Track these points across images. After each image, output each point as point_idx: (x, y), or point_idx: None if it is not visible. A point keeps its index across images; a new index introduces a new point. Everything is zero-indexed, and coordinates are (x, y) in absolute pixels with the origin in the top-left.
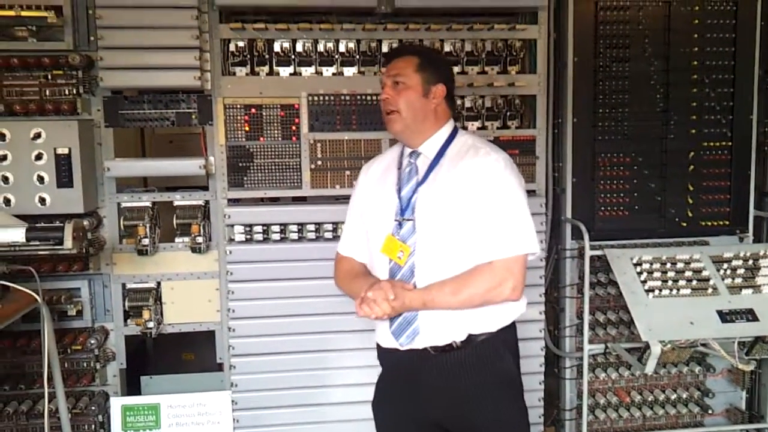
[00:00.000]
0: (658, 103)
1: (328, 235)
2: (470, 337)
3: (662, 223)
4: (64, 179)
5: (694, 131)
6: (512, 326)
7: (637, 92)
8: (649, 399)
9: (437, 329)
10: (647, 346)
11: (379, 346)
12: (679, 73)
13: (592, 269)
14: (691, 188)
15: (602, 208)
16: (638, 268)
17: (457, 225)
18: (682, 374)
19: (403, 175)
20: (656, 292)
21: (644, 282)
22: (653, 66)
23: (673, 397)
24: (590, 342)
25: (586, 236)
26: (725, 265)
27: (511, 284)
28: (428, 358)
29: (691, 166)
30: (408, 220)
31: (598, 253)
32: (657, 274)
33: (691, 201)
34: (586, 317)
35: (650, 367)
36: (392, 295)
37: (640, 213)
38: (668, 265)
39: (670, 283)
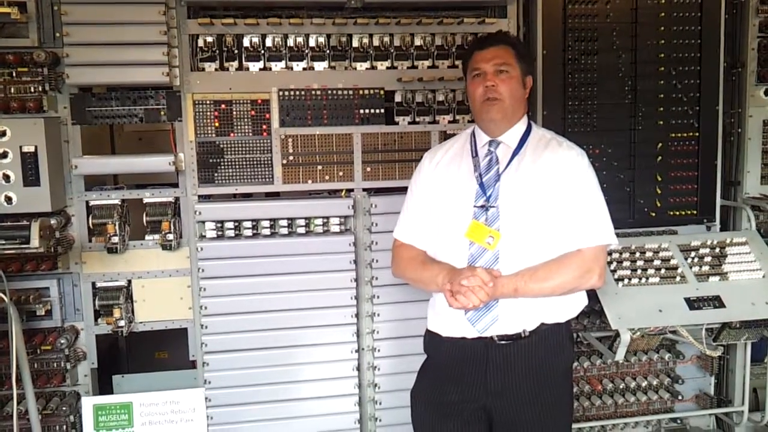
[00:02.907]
0: (627, 95)
1: (301, 230)
2: (541, 326)
3: (631, 213)
4: (30, 178)
5: (661, 122)
6: (574, 319)
7: (606, 84)
8: (621, 386)
9: (514, 316)
10: (617, 335)
11: (431, 334)
12: (647, 65)
13: None
14: (659, 179)
15: None
16: (608, 258)
17: (541, 213)
18: (652, 361)
19: (482, 162)
20: (625, 281)
21: (614, 271)
22: (621, 58)
23: (644, 384)
24: None
25: None
26: (693, 254)
27: (598, 272)
28: (493, 347)
29: (659, 157)
30: (492, 206)
31: None
32: (626, 264)
33: (659, 191)
34: None
35: (620, 355)
36: (491, 283)
37: (610, 203)
38: (637, 254)
39: (639, 272)
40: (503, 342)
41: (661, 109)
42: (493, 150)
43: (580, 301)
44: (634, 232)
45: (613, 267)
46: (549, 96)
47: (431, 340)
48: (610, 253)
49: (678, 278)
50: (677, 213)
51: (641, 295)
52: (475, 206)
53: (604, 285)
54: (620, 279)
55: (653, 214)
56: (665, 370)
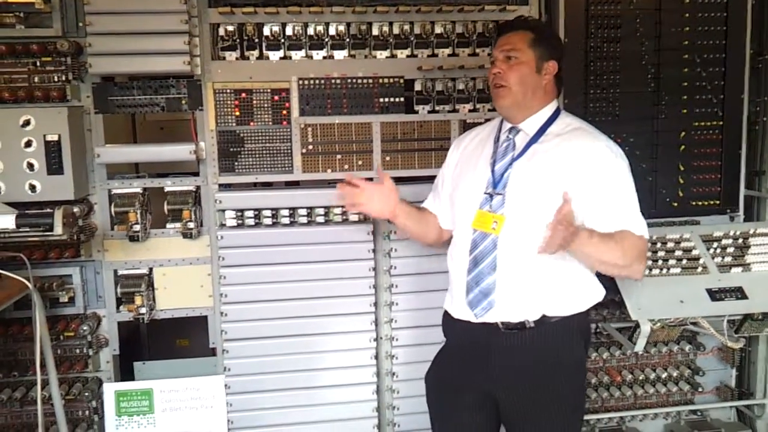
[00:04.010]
0: (650, 83)
1: (320, 219)
2: (543, 318)
3: (653, 203)
4: (54, 166)
5: (685, 111)
6: (587, 313)
7: (629, 73)
8: (640, 378)
9: (512, 304)
10: (637, 325)
11: (447, 317)
12: (671, 53)
13: None
14: (682, 168)
15: None
16: None
17: (548, 200)
18: (672, 353)
19: (499, 149)
20: (646, 271)
21: None
22: (644, 46)
23: (664, 375)
24: None
25: None
26: (715, 244)
27: (645, 262)
28: (499, 335)
29: (682, 146)
30: (498, 194)
31: None
32: (647, 254)
33: (682, 181)
34: None
35: (640, 346)
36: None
37: None
38: (658, 245)
39: (660, 262)
40: (507, 331)
41: (685, 97)
42: (512, 137)
43: (589, 296)
44: (656, 222)
45: None
46: (571, 84)
47: (446, 320)
48: None
49: (700, 269)
50: (700, 203)
51: (662, 286)
52: (485, 193)
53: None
54: None
55: (675, 204)
56: (685, 362)
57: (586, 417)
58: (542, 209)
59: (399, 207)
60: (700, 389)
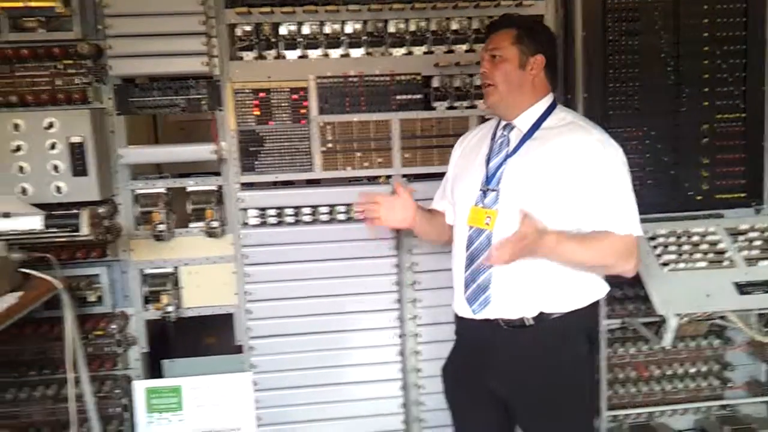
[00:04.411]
0: (669, 75)
1: (342, 216)
2: (542, 315)
3: (676, 197)
4: (78, 168)
5: (706, 103)
6: (590, 309)
7: (648, 66)
8: (668, 373)
9: (508, 301)
10: (664, 320)
11: (455, 314)
12: (690, 45)
13: None
14: (704, 161)
15: None
16: (653, 243)
17: (544, 198)
18: (701, 348)
19: (494, 146)
20: (672, 265)
21: (659, 256)
22: (663, 39)
23: (692, 370)
24: (607, 317)
25: None
26: (741, 237)
27: (637, 260)
28: (500, 332)
29: (705, 139)
30: (492, 190)
31: None
32: (672, 248)
33: (705, 174)
34: None
35: (667, 341)
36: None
37: (653, 188)
38: (683, 239)
39: (685, 256)
40: (508, 328)
41: (706, 89)
42: (507, 134)
43: (589, 292)
44: (679, 216)
45: (658, 252)
46: (589, 78)
47: (455, 317)
48: (654, 237)
49: (726, 262)
50: (724, 196)
51: (688, 280)
52: (480, 190)
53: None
54: (666, 264)
55: (699, 198)
56: (714, 357)
57: (614, 413)
58: (535, 204)
59: (418, 215)
60: (729, 384)
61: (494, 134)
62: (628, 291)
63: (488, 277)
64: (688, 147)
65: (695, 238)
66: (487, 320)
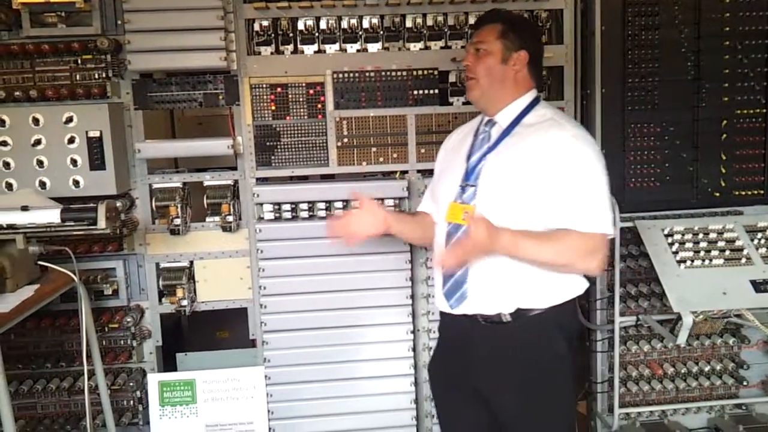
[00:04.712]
0: (689, 71)
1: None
2: (519, 311)
3: (694, 193)
4: (96, 162)
5: (726, 99)
6: (569, 306)
7: (668, 60)
8: (682, 371)
9: (485, 296)
10: (679, 317)
11: (440, 311)
12: (711, 39)
13: (622, 241)
14: (724, 157)
15: (632, 180)
16: (669, 239)
17: (519, 194)
18: (716, 346)
19: (476, 142)
20: (688, 262)
21: (676, 253)
22: (683, 33)
23: (707, 369)
24: (621, 314)
25: (616, 208)
26: (759, 235)
27: (600, 258)
28: (479, 328)
29: (724, 135)
30: (471, 186)
31: (629, 224)
32: (689, 245)
33: (724, 170)
34: (617, 290)
35: (682, 339)
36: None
37: (672, 184)
38: (700, 236)
39: (702, 253)
40: (486, 324)
41: (726, 85)
42: (488, 130)
43: (567, 288)
44: (697, 213)
45: (675, 249)
46: (608, 73)
47: (440, 313)
48: (670, 234)
49: (743, 260)
50: (743, 193)
51: (704, 277)
52: (459, 186)
53: (600, 273)
54: (682, 261)
55: (717, 194)
56: (729, 355)
57: (626, 410)
58: (511, 201)
59: (389, 218)
60: (744, 383)
61: (477, 130)
62: (642, 287)
63: (465, 273)
64: (707, 143)
65: (712, 235)
66: (466, 315)
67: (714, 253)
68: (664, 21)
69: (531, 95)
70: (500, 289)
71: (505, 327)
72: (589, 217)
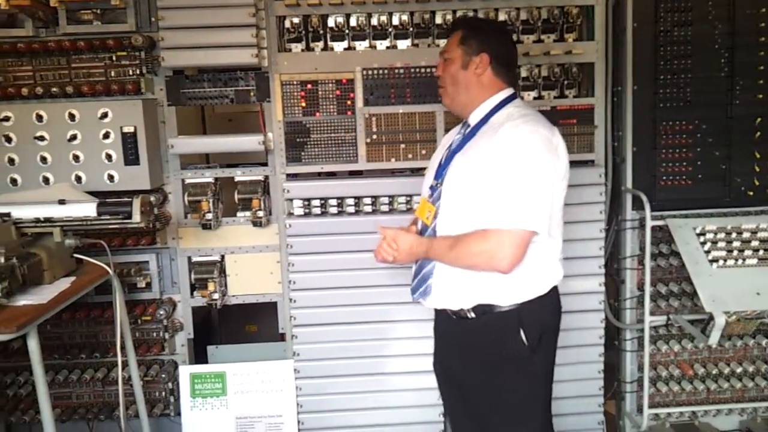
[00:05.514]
0: (723, 67)
1: (385, 208)
2: (481, 307)
3: (727, 192)
4: (130, 157)
5: (761, 96)
6: (535, 304)
7: (701, 57)
8: (714, 372)
9: (447, 292)
10: (711, 318)
11: None
12: (745, 36)
13: (653, 240)
14: (758, 156)
15: (664, 178)
16: (702, 238)
17: (473, 193)
18: (748, 347)
19: (453, 143)
20: (720, 262)
21: (708, 252)
22: (717, 29)
23: (739, 370)
24: (652, 314)
25: (648, 206)
26: None
27: (500, 254)
28: (451, 322)
29: (758, 133)
30: (439, 185)
31: (660, 223)
32: (722, 244)
33: (757, 169)
34: (647, 288)
35: (714, 339)
36: (395, 244)
37: (704, 182)
38: (734, 235)
39: (735, 253)
40: (456, 318)
41: (761, 82)
42: (463, 131)
43: (529, 287)
44: (730, 211)
45: (707, 248)
46: (640, 70)
47: None
48: (703, 233)
49: None
50: None
51: (737, 277)
52: (430, 186)
53: (511, 271)
54: (715, 260)
55: (751, 193)
56: (762, 357)
57: (656, 411)
58: (468, 200)
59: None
60: None
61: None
62: (672, 286)
63: (431, 269)
64: (740, 141)
65: (746, 235)
66: (443, 310)
67: (747, 252)
68: (697, 17)
69: (503, 94)
70: (460, 286)
71: (469, 322)
72: (507, 213)
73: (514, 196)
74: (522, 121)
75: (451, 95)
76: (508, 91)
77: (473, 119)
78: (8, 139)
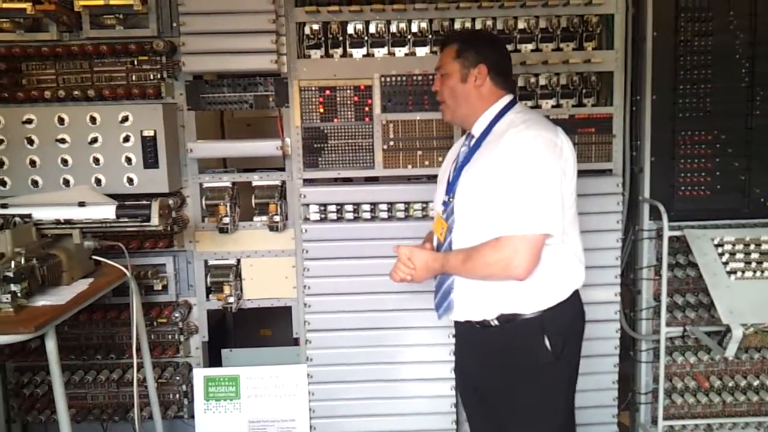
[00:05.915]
0: (743, 78)
1: (400, 214)
2: (503, 316)
3: (746, 203)
4: (150, 160)
5: None
6: (558, 310)
7: (721, 67)
8: (730, 385)
9: (469, 305)
10: (728, 330)
11: None
12: (766, 46)
13: (670, 250)
14: None
15: (682, 188)
16: (719, 249)
17: (485, 205)
18: (765, 360)
19: (459, 156)
20: (738, 273)
21: (726, 263)
22: (738, 39)
23: (756, 383)
24: (668, 325)
25: (665, 216)
26: None
27: (515, 262)
28: (473, 328)
29: None
30: (451, 200)
31: (677, 233)
32: (740, 256)
33: None
34: (664, 299)
35: (731, 351)
36: (411, 264)
37: (723, 193)
38: (752, 247)
39: (753, 264)
40: (479, 327)
41: None
42: (467, 143)
43: (550, 294)
44: (749, 223)
45: (725, 259)
46: (659, 79)
47: None
48: (721, 244)
49: None
50: None
51: (756, 289)
52: (443, 200)
53: (528, 277)
54: (732, 272)
55: None
56: None
57: (670, 423)
58: (480, 212)
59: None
60: None
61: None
62: (689, 297)
63: (451, 283)
64: (760, 151)
65: (765, 246)
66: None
67: (765, 264)
68: (717, 27)
69: (503, 102)
70: (482, 297)
71: (493, 330)
72: (515, 219)
73: (522, 201)
74: (524, 127)
75: (452, 109)
76: (507, 98)
77: (476, 130)
78: (30, 142)
